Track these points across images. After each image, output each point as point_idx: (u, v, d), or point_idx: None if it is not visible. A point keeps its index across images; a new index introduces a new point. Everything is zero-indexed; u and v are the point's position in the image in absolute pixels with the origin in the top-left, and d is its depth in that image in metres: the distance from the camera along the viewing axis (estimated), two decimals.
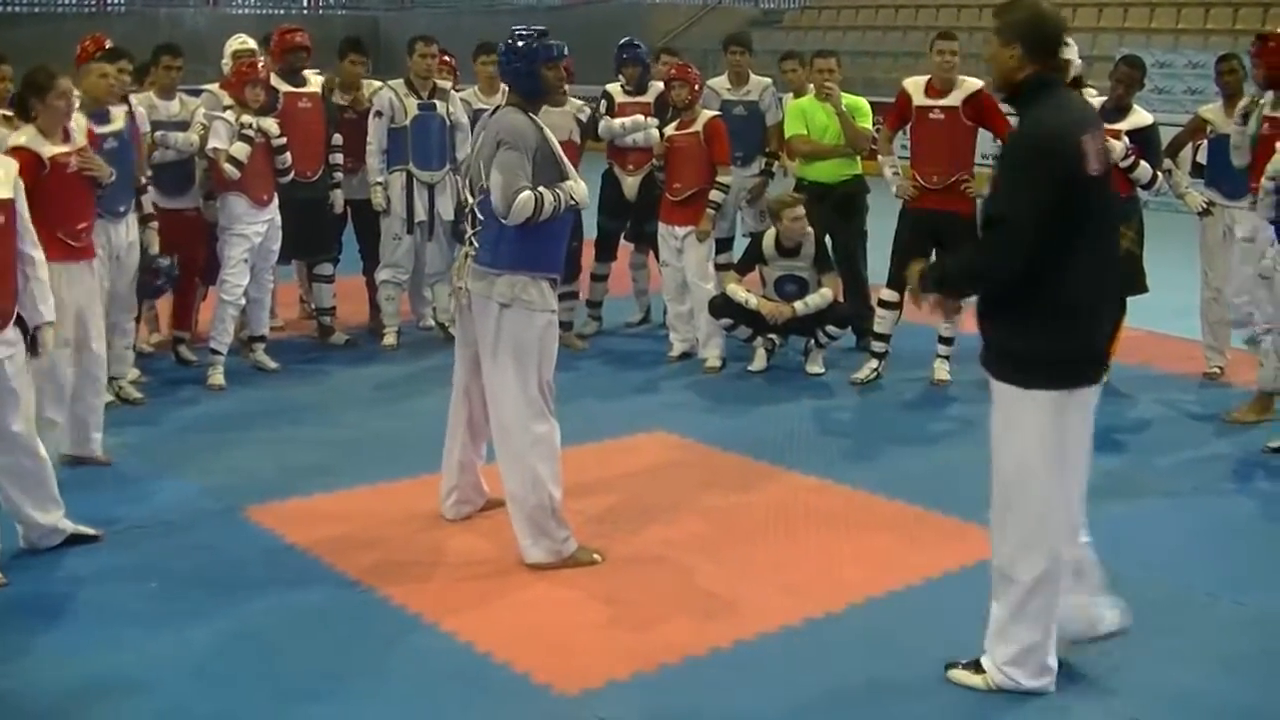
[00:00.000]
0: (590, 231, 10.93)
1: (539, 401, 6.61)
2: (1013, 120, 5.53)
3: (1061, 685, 5.44)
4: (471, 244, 6.69)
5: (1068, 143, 5.06)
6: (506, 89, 7.08)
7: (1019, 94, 5.18)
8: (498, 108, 6.91)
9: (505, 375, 6.58)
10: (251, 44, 10.63)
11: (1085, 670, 5.58)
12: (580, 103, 10.90)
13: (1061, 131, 5.09)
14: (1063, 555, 5.28)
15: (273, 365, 10.20)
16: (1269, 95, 9.35)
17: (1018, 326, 5.18)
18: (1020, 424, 5.20)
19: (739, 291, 10.16)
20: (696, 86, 10.63)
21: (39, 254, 6.67)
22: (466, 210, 6.82)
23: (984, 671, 5.43)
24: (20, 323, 6.55)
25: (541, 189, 6.43)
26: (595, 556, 6.73)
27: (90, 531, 6.83)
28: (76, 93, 7.86)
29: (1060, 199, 5.00)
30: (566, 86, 10.74)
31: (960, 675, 5.49)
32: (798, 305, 10.07)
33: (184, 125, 9.75)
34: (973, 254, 5.44)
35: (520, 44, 6.68)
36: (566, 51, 6.93)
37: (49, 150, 7.35)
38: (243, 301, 9.85)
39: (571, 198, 6.60)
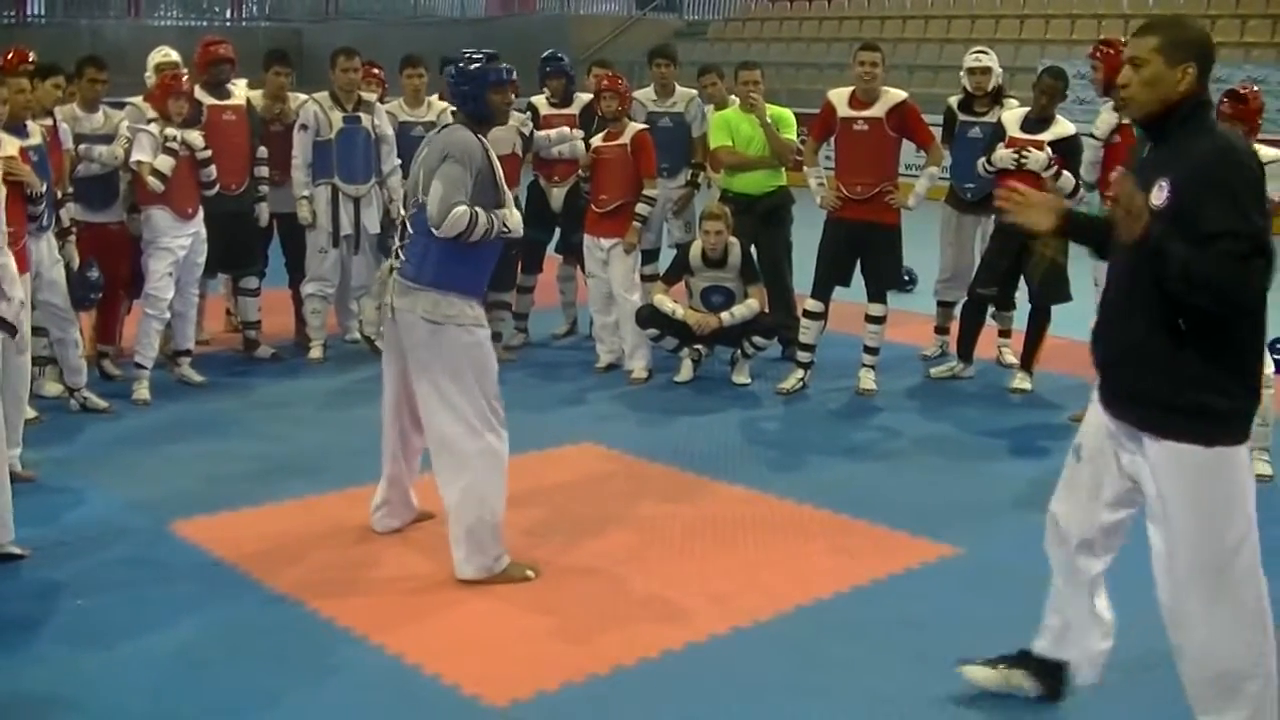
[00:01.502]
0: None
1: (486, 415, 6.58)
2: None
3: (988, 695, 5.51)
4: (398, 256, 6.68)
5: (1257, 167, 4.68)
6: (454, 108, 7.04)
7: (1173, 114, 4.71)
8: (443, 124, 6.88)
9: (443, 392, 6.53)
10: (174, 56, 10.57)
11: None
12: (523, 117, 10.93)
13: (1252, 152, 4.74)
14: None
15: (199, 379, 10.15)
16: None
17: (1220, 377, 4.63)
18: (1233, 487, 4.73)
19: (666, 302, 10.18)
20: (627, 98, 10.70)
21: (6, 259, 6.64)
22: (398, 222, 6.78)
23: None
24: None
25: (478, 210, 6.43)
26: (528, 573, 6.70)
27: (16, 550, 6.75)
28: None
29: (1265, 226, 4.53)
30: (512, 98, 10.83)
31: None
32: (724, 316, 10.10)
33: (108, 138, 9.68)
34: (1213, 264, 4.43)
35: (469, 68, 6.66)
36: (515, 75, 6.93)
37: None
38: (167, 315, 9.78)
39: (505, 225, 6.60)
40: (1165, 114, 4.73)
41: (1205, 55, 4.72)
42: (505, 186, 6.74)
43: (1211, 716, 4.85)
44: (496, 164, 6.65)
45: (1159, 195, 4.57)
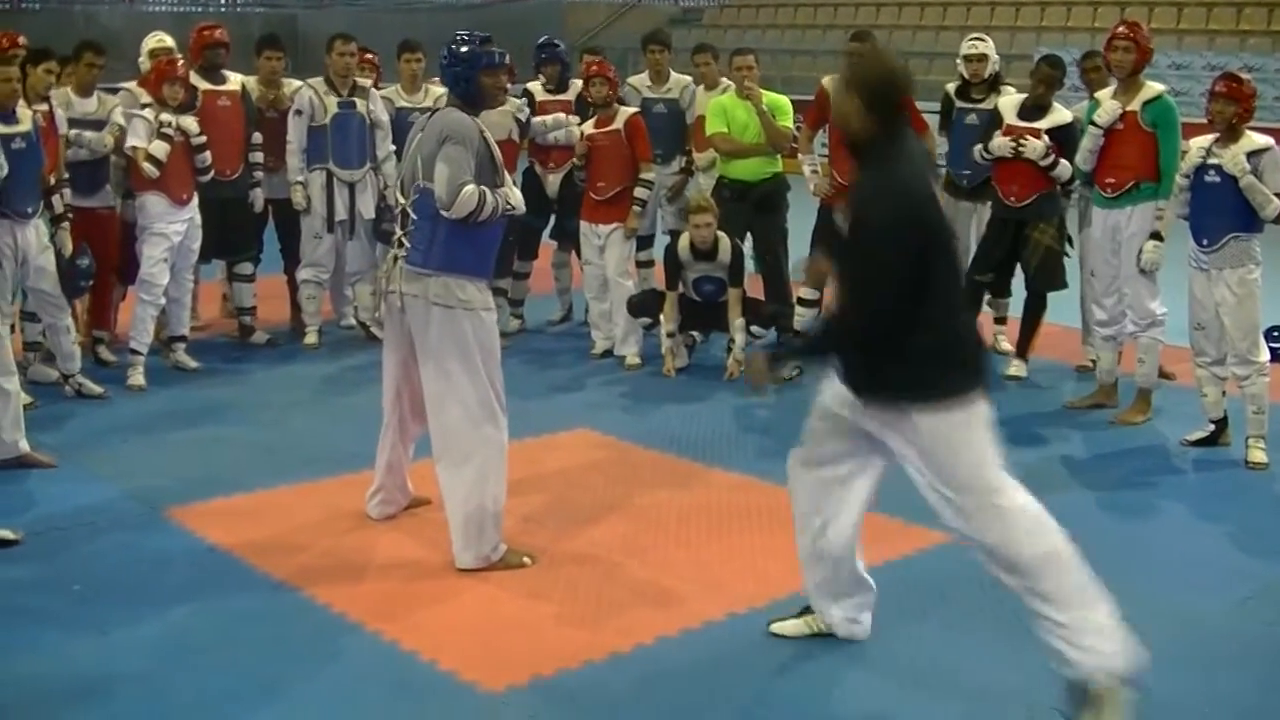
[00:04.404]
0: None
1: (490, 402, 6.57)
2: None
3: (983, 679, 5.53)
4: (401, 245, 6.64)
5: (923, 193, 5.26)
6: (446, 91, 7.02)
7: (860, 146, 5.30)
8: (434, 109, 6.86)
9: (450, 378, 6.51)
10: (169, 42, 10.55)
11: (1004, 664, 5.65)
12: (520, 102, 10.94)
13: (916, 184, 5.26)
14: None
15: (193, 365, 10.14)
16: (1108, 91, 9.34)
17: (933, 355, 5.19)
18: (972, 428, 5.27)
19: (667, 322, 10.20)
20: (615, 83, 10.68)
21: None
22: (397, 210, 6.73)
23: None
24: None
25: (484, 188, 6.43)
26: (525, 560, 6.69)
27: (10, 535, 6.76)
28: None
29: (922, 245, 5.10)
30: (508, 85, 10.82)
31: None
32: (732, 365, 10.19)
33: (100, 124, 9.67)
34: (832, 323, 5.42)
35: (461, 50, 6.64)
36: (508, 60, 6.91)
37: None
38: (162, 301, 9.78)
39: (508, 202, 6.60)
40: (860, 141, 5.28)
41: (875, 94, 5.22)
42: (503, 166, 6.73)
43: (1033, 602, 5.21)
44: (493, 144, 6.64)
45: (843, 220, 5.29)
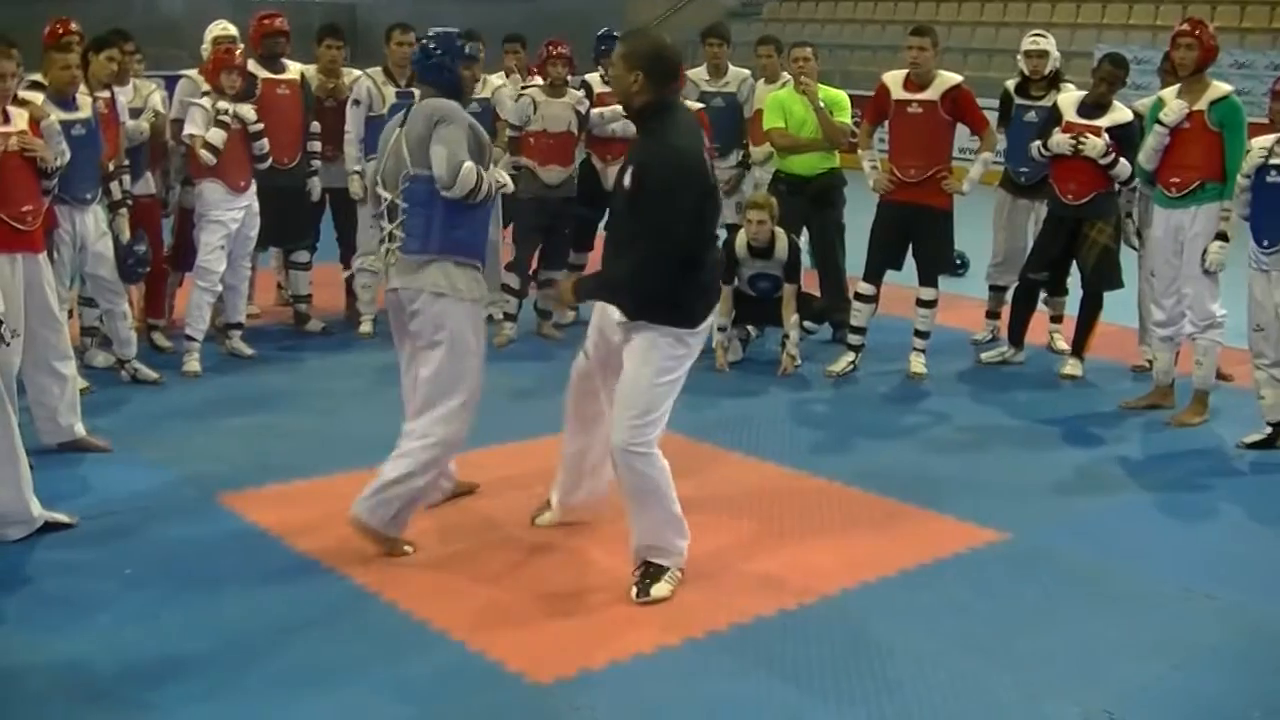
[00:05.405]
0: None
1: (457, 405, 6.60)
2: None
3: (1033, 679, 5.50)
4: (393, 237, 6.63)
5: (698, 158, 6.05)
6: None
7: (641, 115, 6.03)
8: (413, 102, 6.89)
9: (435, 367, 6.57)
10: (233, 30, 10.55)
11: (1055, 664, 5.63)
12: (580, 94, 10.92)
13: (692, 150, 6.02)
14: None
15: (249, 352, 10.18)
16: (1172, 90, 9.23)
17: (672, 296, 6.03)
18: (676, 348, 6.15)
19: (718, 319, 10.17)
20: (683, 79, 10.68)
21: None
22: (384, 206, 6.70)
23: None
24: None
25: (479, 167, 6.47)
26: (406, 549, 6.66)
27: (64, 518, 6.80)
28: (38, 78, 8.12)
29: (698, 205, 5.97)
30: (569, 76, 10.83)
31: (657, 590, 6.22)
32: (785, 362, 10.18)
33: (137, 112, 9.68)
34: (629, 266, 6.02)
35: (436, 45, 6.72)
36: (480, 54, 6.98)
37: None
38: (219, 288, 9.81)
39: (498, 180, 6.72)
40: (640, 111, 6.02)
41: (652, 66, 5.95)
42: (489, 147, 6.80)
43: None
44: (479, 127, 6.69)
45: (628, 179, 5.95)
